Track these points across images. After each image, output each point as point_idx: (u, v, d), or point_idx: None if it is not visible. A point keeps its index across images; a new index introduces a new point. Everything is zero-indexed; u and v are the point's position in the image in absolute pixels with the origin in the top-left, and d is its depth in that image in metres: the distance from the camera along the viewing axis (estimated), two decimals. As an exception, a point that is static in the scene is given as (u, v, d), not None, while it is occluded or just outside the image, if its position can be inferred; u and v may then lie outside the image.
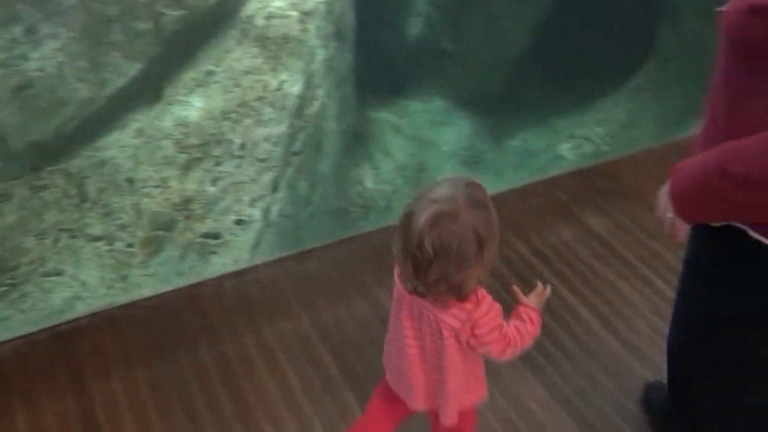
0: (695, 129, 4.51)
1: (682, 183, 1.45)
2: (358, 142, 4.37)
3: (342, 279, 2.86)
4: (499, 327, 1.59)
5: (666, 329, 2.60)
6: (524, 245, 3.01)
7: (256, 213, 3.45)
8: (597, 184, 3.33)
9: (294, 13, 3.51)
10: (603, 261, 2.91)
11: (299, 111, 3.52)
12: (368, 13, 4.04)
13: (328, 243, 3.08)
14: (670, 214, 1.50)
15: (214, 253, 3.33)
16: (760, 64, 1.32)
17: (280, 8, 3.51)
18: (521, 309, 1.69)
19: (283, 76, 3.48)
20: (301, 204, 3.68)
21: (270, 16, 3.51)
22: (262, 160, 3.44)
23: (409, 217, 1.47)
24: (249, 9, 3.52)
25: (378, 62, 4.50)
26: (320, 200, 3.83)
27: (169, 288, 2.89)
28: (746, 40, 1.33)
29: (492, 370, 1.85)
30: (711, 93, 1.50)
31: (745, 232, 1.43)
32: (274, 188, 3.49)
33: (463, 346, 1.60)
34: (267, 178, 3.45)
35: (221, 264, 3.25)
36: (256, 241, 3.39)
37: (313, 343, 2.57)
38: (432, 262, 1.44)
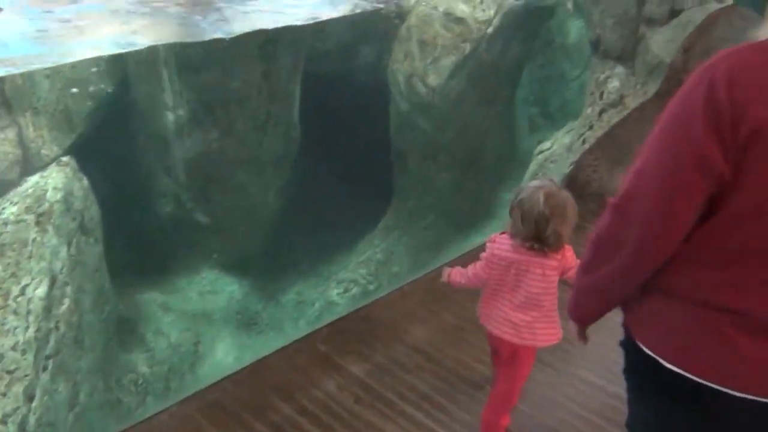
0: (446, 256, 4.87)
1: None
2: (126, 328, 4.28)
3: (104, 484, 2.73)
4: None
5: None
6: (290, 406, 3.07)
7: (10, 429, 3.22)
8: (355, 329, 3.51)
9: (30, 217, 3.47)
10: (364, 404, 3.05)
11: (47, 312, 3.41)
12: (114, 201, 4.08)
13: (87, 448, 2.94)
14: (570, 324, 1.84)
15: (-37, 486, 3.04)
16: None
17: (14, 213, 3.46)
18: None
19: (25, 281, 3.39)
20: (64, 407, 3.50)
21: (4, 223, 3.44)
22: (10, 372, 3.26)
23: (522, 201, 2.33)
24: (-20, 220, 3.43)
25: (134, 246, 4.51)
26: (87, 398, 3.66)
27: None
28: None
29: None
30: None
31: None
32: (29, 398, 3.30)
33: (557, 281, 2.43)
34: (18, 389, 3.26)
35: (-27, 497, 2.97)
36: (13, 461, 3.15)
37: None
38: (549, 221, 2.30)
